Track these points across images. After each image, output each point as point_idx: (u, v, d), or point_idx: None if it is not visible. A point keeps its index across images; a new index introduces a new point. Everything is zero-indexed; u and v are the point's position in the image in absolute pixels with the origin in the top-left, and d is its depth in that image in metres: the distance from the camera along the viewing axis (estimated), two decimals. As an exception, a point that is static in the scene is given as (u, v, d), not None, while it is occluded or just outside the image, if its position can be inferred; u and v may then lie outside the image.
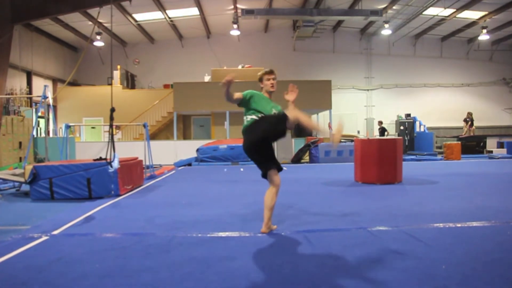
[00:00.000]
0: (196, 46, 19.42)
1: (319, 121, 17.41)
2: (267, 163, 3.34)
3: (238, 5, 15.58)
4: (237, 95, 3.35)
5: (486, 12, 16.21)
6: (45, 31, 16.24)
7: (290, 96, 3.44)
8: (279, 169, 3.38)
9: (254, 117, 3.32)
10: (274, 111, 3.39)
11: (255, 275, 2.37)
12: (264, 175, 3.36)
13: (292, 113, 3.14)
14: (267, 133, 3.23)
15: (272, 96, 3.55)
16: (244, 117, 3.43)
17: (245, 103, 3.38)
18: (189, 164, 12.07)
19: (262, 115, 3.30)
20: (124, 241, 3.18)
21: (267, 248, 2.91)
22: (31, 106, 14.37)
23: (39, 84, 15.10)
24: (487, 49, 20.12)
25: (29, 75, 15.35)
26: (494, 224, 3.52)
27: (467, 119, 16.18)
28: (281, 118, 3.15)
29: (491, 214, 3.95)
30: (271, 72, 3.57)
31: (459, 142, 13.82)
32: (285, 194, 5.63)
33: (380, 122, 17.08)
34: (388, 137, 15.31)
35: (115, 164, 5.36)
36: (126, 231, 3.51)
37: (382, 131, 16.61)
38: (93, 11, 13.51)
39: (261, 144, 3.28)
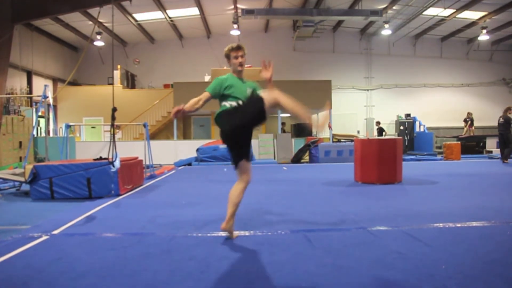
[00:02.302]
0: (196, 46, 19.43)
1: (319, 121, 17.41)
2: (241, 152, 3.07)
3: (238, 5, 15.59)
4: (202, 98, 3.01)
5: (486, 13, 16.21)
6: (45, 31, 16.25)
7: (266, 73, 3.05)
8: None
9: (232, 103, 3.02)
10: (249, 90, 3.08)
11: (255, 275, 2.37)
12: (236, 165, 3.09)
13: (271, 95, 2.77)
14: (244, 122, 2.92)
15: (248, 77, 3.22)
16: (221, 104, 3.10)
17: (218, 95, 3.09)
18: (189, 164, 12.07)
19: (240, 102, 3.00)
20: (124, 241, 3.18)
21: (267, 247, 2.91)
22: (31, 105, 14.37)
23: (39, 84, 15.11)
24: (487, 49, 20.13)
25: (29, 74, 15.36)
26: (493, 224, 3.53)
27: (467, 119, 16.17)
28: (257, 104, 2.80)
29: (491, 214, 3.95)
30: (238, 48, 3.13)
31: (459, 142, 13.82)
32: (285, 194, 5.64)
33: (378, 123, 17.08)
34: (386, 137, 15.30)
35: (117, 164, 5.36)
36: (126, 231, 3.51)
37: (380, 131, 16.62)
38: (93, 11, 13.52)
39: (240, 131, 3.00)
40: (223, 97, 3.09)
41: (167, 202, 5.15)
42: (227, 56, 3.18)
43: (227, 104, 3.06)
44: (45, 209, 4.79)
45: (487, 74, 20.60)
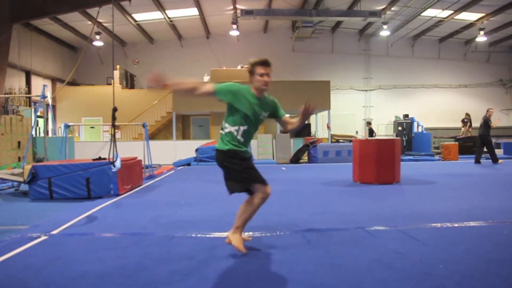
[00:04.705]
0: (196, 46, 19.43)
1: (318, 121, 17.44)
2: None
3: (237, 6, 15.60)
4: (202, 89, 2.61)
5: (484, 14, 16.27)
6: (44, 31, 16.22)
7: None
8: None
9: (239, 137, 2.70)
10: (264, 114, 2.77)
11: (254, 275, 2.38)
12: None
13: None
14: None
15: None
16: (226, 121, 2.72)
17: (226, 99, 2.67)
18: (188, 164, 12.07)
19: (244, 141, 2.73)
20: (123, 241, 3.19)
21: (266, 247, 2.92)
22: (30, 105, 14.35)
23: (38, 84, 15.08)
24: (484, 50, 20.20)
25: (28, 74, 15.33)
26: (491, 224, 3.55)
27: (465, 120, 16.22)
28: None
29: (488, 214, 3.97)
30: (267, 63, 2.67)
31: (457, 143, 13.87)
32: (284, 194, 5.65)
33: (369, 123, 17.13)
34: (376, 137, 15.25)
35: (118, 164, 5.35)
36: (125, 231, 3.52)
37: (370, 132, 16.65)
38: (92, 11, 13.51)
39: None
40: (230, 111, 2.71)
41: (166, 202, 5.16)
42: (251, 71, 2.69)
43: (233, 130, 2.70)
44: (44, 209, 4.79)
45: (485, 75, 20.67)
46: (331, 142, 15.03)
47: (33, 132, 9.37)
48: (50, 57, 17.05)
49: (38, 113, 11.54)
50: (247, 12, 14.53)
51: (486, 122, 10.77)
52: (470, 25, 17.52)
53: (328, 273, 2.36)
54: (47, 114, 9.15)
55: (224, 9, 16.22)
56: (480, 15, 16.42)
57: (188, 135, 17.68)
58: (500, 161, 10.83)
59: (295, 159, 12.52)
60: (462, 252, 2.71)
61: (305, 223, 3.69)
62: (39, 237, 3.31)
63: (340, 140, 15.58)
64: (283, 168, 10.76)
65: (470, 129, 15.98)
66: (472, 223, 3.57)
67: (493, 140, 14.79)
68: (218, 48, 19.33)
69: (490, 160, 11.04)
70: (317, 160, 12.17)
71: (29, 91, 14.79)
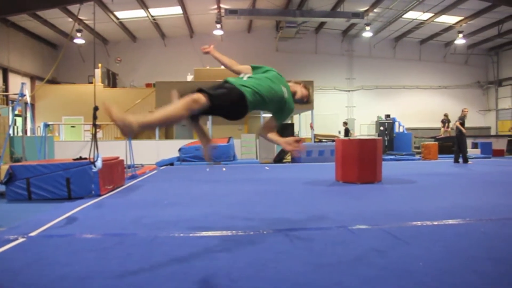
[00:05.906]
0: (179, 45, 19.28)
1: (301, 121, 17.55)
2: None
3: (221, 5, 15.56)
4: (239, 68, 2.92)
5: (462, 17, 16.74)
6: (22, 27, 15.78)
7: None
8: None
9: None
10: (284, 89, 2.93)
11: (238, 274, 2.38)
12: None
13: None
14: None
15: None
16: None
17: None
18: (171, 164, 11.97)
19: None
20: (104, 241, 3.13)
21: (249, 247, 2.93)
22: (7, 104, 13.93)
23: (16, 81, 14.67)
24: (463, 53, 20.78)
25: (5, 72, 14.89)
26: (468, 222, 3.65)
27: (444, 120, 16.65)
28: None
29: (466, 212, 4.09)
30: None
31: (436, 143, 14.21)
32: (267, 194, 5.67)
33: (345, 123, 17.38)
34: (352, 137, 15.48)
35: (99, 164, 5.26)
36: (107, 232, 3.46)
37: (346, 131, 16.89)
38: (73, 8, 13.24)
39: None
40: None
41: (149, 202, 5.09)
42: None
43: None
44: (21, 210, 4.66)
45: (463, 77, 21.27)
46: (314, 142, 15.16)
47: (11, 131, 9.09)
48: (29, 54, 16.60)
49: (16, 112, 11.21)
50: (231, 12, 14.52)
51: (460, 119, 11.15)
52: (450, 27, 17.99)
53: (311, 272, 2.38)
54: (26, 113, 8.90)
55: (208, 8, 16.15)
56: (459, 18, 16.89)
57: (171, 134, 17.50)
58: (469, 161, 11.20)
59: (278, 159, 12.58)
60: (441, 250, 2.78)
61: (288, 222, 3.71)
62: (16, 239, 3.21)
63: (323, 140, 15.73)
64: (266, 167, 10.79)
65: (449, 129, 16.41)
66: (451, 221, 3.66)
67: (471, 140, 15.25)
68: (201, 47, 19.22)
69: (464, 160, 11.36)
70: (300, 160, 12.26)
71: (6, 89, 14.37)
